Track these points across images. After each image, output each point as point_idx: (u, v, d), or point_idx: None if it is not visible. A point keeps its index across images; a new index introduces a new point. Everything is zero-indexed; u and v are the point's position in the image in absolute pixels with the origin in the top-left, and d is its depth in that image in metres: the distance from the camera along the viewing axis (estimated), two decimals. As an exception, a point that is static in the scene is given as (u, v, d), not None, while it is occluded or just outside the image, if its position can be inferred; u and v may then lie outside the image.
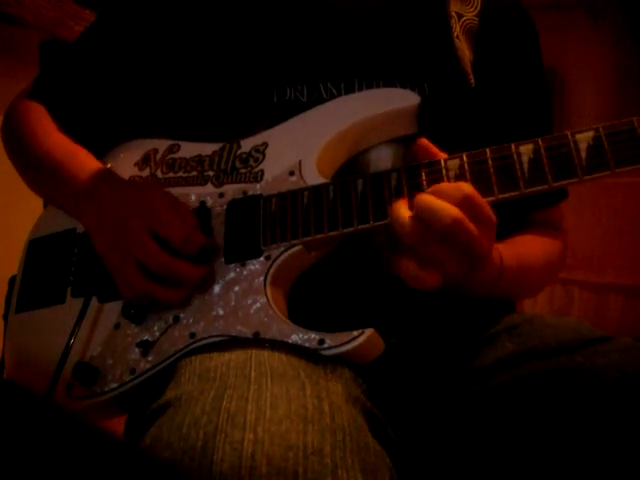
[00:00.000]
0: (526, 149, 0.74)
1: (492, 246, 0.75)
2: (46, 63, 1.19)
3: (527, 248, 0.94)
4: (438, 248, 0.71)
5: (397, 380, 0.85)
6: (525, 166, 0.73)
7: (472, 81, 0.94)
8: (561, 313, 2.52)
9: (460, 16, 0.96)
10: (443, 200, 0.70)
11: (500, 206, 0.75)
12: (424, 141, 0.78)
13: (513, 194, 0.73)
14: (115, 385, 0.81)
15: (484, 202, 0.72)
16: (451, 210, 0.69)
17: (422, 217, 0.70)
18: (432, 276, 0.72)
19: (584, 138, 0.72)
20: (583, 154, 0.71)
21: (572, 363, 0.78)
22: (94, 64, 1.01)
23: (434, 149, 0.77)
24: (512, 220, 0.97)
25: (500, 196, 0.73)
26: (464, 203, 0.70)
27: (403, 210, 0.72)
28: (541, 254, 0.96)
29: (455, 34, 0.94)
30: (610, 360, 0.77)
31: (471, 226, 0.70)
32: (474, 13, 0.98)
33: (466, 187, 0.71)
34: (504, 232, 0.94)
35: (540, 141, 0.73)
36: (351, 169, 0.85)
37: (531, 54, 1.02)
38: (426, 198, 0.71)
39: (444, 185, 0.73)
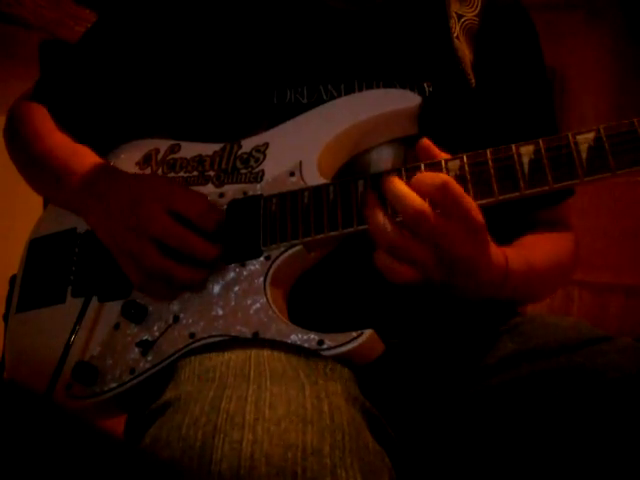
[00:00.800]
0: (527, 150, 0.73)
1: (480, 248, 0.75)
2: (46, 63, 1.19)
3: (536, 249, 0.93)
4: (410, 244, 0.71)
5: (397, 380, 0.85)
6: (526, 167, 0.73)
7: (472, 81, 0.93)
8: (561, 313, 2.52)
9: (460, 16, 0.96)
10: (415, 189, 0.71)
11: (505, 206, 0.74)
12: (426, 141, 0.78)
13: (513, 195, 0.73)
14: (114, 385, 0.81)
15: (462, 199, 0.71)
16: (416, 200, 0.70)
17: (390, 202, 0.71)
18: (409, 270, 0.72)
19: (585, 139, 0.71)
20: (584, 155, 0.71)
21: (572, 363, 0.78)
22: (95, 65, 1.01)
23: (436, 150, 0.77)
24: (519, 220, 0.97)
25: (500, 197, 0.73)
26: (438, 193, 0.70)
27: (379, 213, 0.73)
28: (551, 255, 0.95)
29: (455, 34, 0.94)
30: (610, 360, 0.77)
31: (435, 219, 0.70)
32: (474, 13, 0.98)
33: (443, 176, 0.71)
34: (511, 233, 0.94)
35: (541, 142, 0.73)
36: (352, 170, 0.85)
37: (532, 54, 1.02)
38: (395, 184, 0.72)
39: (423, 174, 0.73)
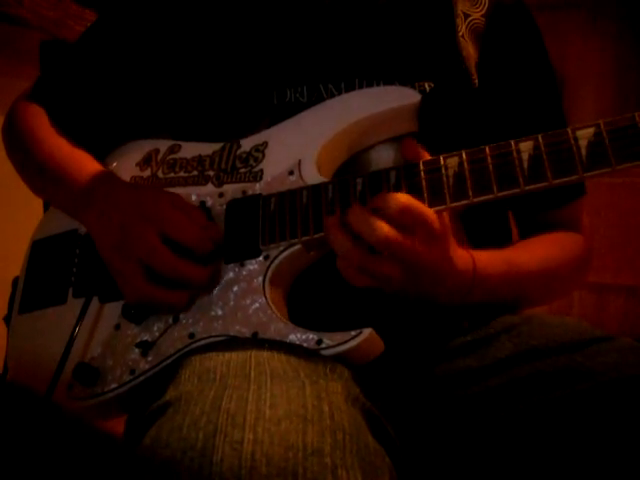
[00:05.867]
0: (526, 146, 0.73)
1: (443, 256, 0.75)
2: (46, 63, 1.19)
3: (522, 254, 0.91)
4: (376, 263, 0.72)
5: (396, 380, 0.85)
6: (525, 163, 0.73)
7: (476, 81, 0.93)
8: (561, 313, 2.51)
9: (467, 16, 0.96)
10: (377, 213, 0.72)
11: (511, 206, 0.74)
12: (410, 140, 0.79)
13: (513, 191, 0.73)
14: (115, 385, 0.81)
15: (422, 213, 0.72)
16: (380, 227, 0.71)
17: (355, 229, 0.72)
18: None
19: (585, 134, 0.71)
20: (584, 150, 0.71)
21: (572, 363, 0.78)
22: (94, 65, 1.01)
23: (417, 149, 0.78)
24: (525, 221, 0.96)
25: (500, 194, 0.73)
26: (398, 214, 0.72)
27: (343, 237, 0.73)
28: (541, 259, 0.93)
29: (460, 34, 0.94)
30: (610, 360, 0.77)
31: (401, 239, 0.71)
32: (481, 13, 0.97)
33: (401, 197, 0.72)
34: (509, 235, 0.94)
35: (540, 138, 0.73)
36: (352, 168, 0.85)
37: (538, 55, 1.01)
38: (357, 212, 0.73)
39: (382, 195, 0.74)
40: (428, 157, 0.77)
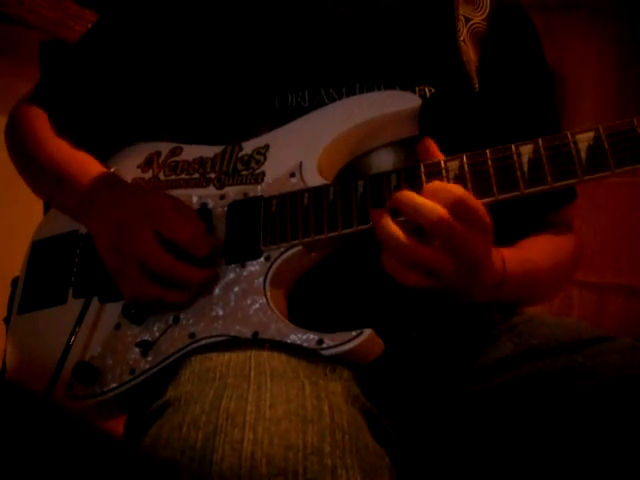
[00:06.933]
0: (526, 149, 0.74)
1: (488, 250, 0.75)
2: (46, 64, 1.19)
3: (533, 252, 0.93)
4: (430, 254, 0.71)
5: (397, 380, 0.85)
6: (525, 166, 0.73)
7: (476, 85, 0.93)
8: (561, 313, 2.51)
9: (468, 20, 0.96)
10: (431, 198, 0.71)
11: (507, 208, 0.75)
12: (427, 141, 0.78)
13: (513, 194, 0.73)
14: (115, 385, 0.81)
15: (476, 204, 0.72)
16: (436, 208, 0.70)
17: (407, 214, 0.71)
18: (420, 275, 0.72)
19: (584, 138, 0.72)
20: (583, 154, 0.71)
21: (572, 363, 0.78)
22: (95, 67, 1.01)
23: (436, 151, 0.77)
24: (522, 222, 0.97)
25: (500, 197, 0.73)
26: (454, 204, 0.71)
27: (387, 219, 0.72)
28: (548, 257, 0.94)
29: (461, 38, 0.94)
30: (610, 360, 0.77)
31: (457, 225, 0.70)
32: (482, 17, 0.97)
33: (457, 189, 0.72)
34: (511, 235, 0.94)
35: (540, 141, 0.73)
36: (353, 172, 0.85)
37: (536, 60, 1.01)
38: (410, 196, 0.72)
39: (437, 184, 0.73)
40: (443, 158, 0.77)
